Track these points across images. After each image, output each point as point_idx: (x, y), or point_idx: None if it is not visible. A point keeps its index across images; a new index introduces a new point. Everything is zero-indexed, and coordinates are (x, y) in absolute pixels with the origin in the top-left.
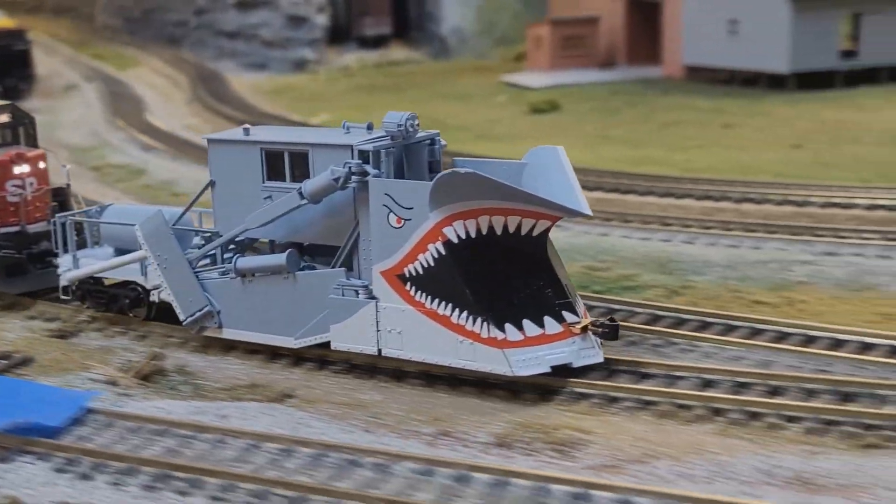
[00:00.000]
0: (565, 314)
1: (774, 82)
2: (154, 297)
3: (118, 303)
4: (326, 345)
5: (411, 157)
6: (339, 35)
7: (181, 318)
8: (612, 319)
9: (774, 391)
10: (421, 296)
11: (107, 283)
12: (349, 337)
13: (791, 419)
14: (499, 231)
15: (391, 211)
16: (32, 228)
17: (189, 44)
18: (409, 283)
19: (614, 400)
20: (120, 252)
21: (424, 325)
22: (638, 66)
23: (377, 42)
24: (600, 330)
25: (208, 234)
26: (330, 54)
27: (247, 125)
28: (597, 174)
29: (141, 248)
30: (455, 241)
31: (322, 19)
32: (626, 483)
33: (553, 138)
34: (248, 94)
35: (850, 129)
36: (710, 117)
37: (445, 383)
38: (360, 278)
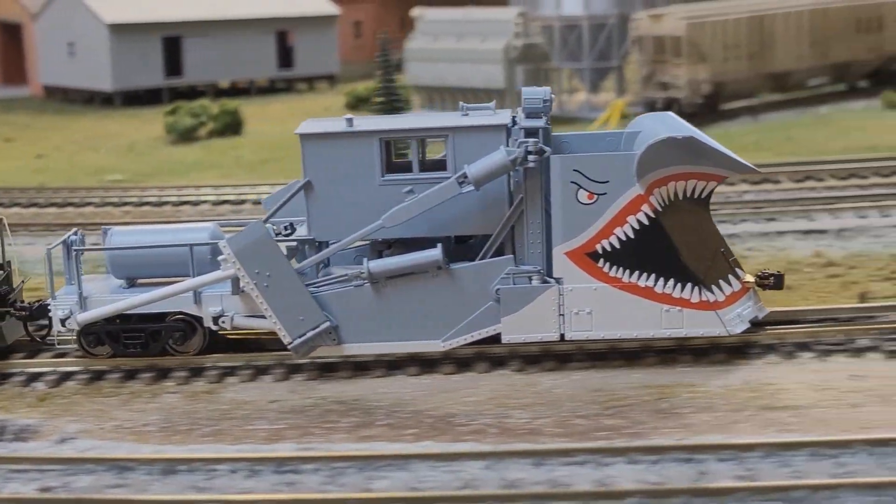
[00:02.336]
0: (738, 270)
1: (106, 100)
2: (224, 324)
3: (159, 341)
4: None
5: None
6: None
7: (286, 341)
8: (766, 269)
9: None
10: (617, 271)
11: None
12: (525, 327)
13: None
14: (680, 196)
15: (580, 187)
16: None
17: None
18: (602, 260)
19: None
20: (132, 282)
21: (622, 300)
22: (13, 85)
23: None
24: (772, 280)
25: (293, 244)
26: None
27: (349, 115)
28: None
29: (204, 270)
30: (659, 209)
31: None
32: None
33: None
34: None
35: (108, 139)
36: (8, 132)
37: None
38: (522, 264)
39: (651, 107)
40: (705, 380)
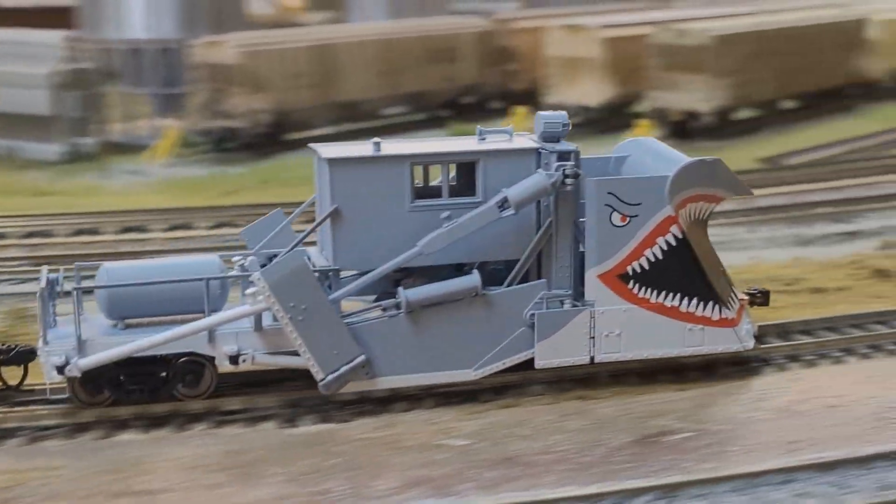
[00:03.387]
0: (734, 288)
1: None
2: (245, 363)
3: (168, 385)
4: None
5: None
6: None
7: (319, 377)
8: (753, 287)
9: None
10: (645, 292)
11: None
12: (558, 351)
13: None
14: (693, 217)
15: (614, 210)
16: None
17: None
18: (632, 282)
19: None
20: (123, 322)
21: (649, 320)
22: None
23: None
24: (759, 297)
25: (315, 273)
26: None
27: (377, 139)
28: None
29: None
30: (686, 230)
31: None
32: None
33: None
34: None
35: None
36: None
37: None
38: (553, 288)
39: (209, 135)
40: (70, 461)
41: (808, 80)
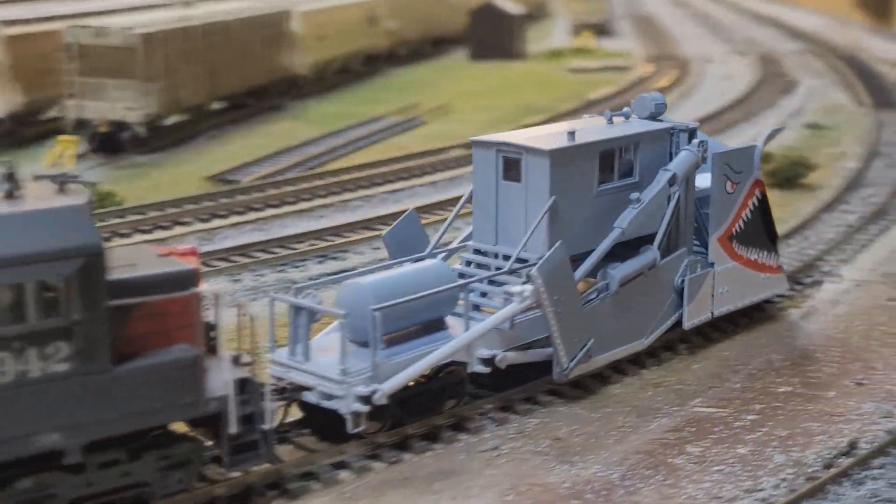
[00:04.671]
0: None
1: None
2: (500, 364)
3: (441, 398)
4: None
5: None
6: None
7: (563, 366)
8: None
9: None
10: (741, 249)
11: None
12: (698, 311)
13: None
14: None
15: (728, 179)
16: None
17: None
18: (734, 241)
19: None
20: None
21: (744, 274)
22: None
23: None
24: None
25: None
26: None
27: (571, 129)
28: None
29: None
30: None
31: None
32: None
33: None
34: None
35: None
36: None
37: None
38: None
39: None
40: None
41: (237, 80)
